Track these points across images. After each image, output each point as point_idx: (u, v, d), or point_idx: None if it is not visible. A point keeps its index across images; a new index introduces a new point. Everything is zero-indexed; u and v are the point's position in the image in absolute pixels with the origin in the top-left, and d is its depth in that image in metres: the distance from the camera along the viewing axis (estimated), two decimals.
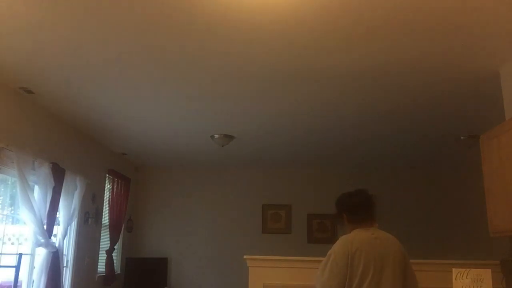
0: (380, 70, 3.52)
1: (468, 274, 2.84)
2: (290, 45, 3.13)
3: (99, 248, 6.13)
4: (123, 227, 6.82)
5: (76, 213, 5.06)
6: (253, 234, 7.33)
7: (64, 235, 4.83)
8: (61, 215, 4.79)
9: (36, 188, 4.41)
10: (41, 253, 4.43)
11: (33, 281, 4.38)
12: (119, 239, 6.67)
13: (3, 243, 4.13)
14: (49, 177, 4.47)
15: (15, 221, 4.38)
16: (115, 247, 6.47)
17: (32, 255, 4.43)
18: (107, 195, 6.40)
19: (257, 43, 3.10)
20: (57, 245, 4.61)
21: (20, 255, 4.03)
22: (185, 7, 2.66)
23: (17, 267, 3.93)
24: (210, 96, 4.21)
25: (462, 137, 5.25)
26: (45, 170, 4.41)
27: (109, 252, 6.26)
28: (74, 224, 5.30)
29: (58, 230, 4.79)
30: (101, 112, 4.72)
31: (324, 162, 6.98)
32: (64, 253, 4.95)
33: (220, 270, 7.18)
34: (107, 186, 6.43)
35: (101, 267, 6.18)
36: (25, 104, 4.28)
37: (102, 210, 6.22)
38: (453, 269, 2.88)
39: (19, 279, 3.97)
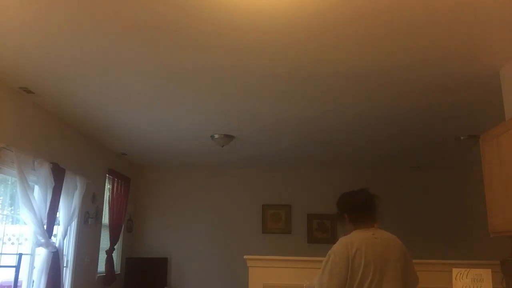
0: (381, 72, 3.52)
1: (468, 274, 2.84)
2: (292, 47, 3.13)
3: (99, 248, 6.12)
4: (123, 227, 6.82)
5: (76, 213, 5.06)
6: (253, 234, 7.33)
7: (64, 235, 4.82)
8: (61, 215, 4.79)
9: (36, 188, 4.41)
10: (41, 253, 4.43)
11: (33, 281, 4.38)
12: (119, 239, 6.67)
13: (3, 243, 4.13)
14: (49, 177, 4.47)
15: (15, 221, 4.39)
16: (115, 247, 6.48)
17: (32, 255, 4.43)
18: (107, 195, 6.40)
19: (258, 44, 3.10)
20: (57, 245, 4.61)
21: (20, 255, 4.03)
22: (187, 10, 2.66)
23: (17, 267, 3.93)
24: (210, 96, 4.21)
25: (462, 137, 5.26)
26: (45, 170, 4.41)
27: (109, 252, 6.26)
28: (74, 224, 5.30)
29: (58, 230, 4.79)
30: (101, 112, 4.72)
31: (324, 162, 6.98)
32: (64, 253, 4.95)
33: (220, 270, 7.19)
34: (107, 186, 6.43)
35: (101, 267, 6.18)
36: (25, 104, 4.28)
37: (102, 210, 6.22)
38: (453, 269, 2.89)
39: (19, 279, 3.97)
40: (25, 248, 4.37)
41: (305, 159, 6.80)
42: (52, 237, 4.58)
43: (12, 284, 3.91)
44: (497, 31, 2.88)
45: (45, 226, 4.37)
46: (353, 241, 2.45)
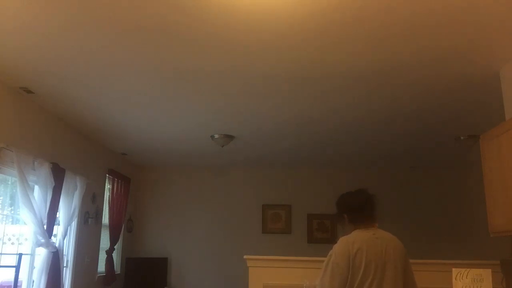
0: (381, 72, 3.52)
1: (468, 274, 2.84)
2: (292, 47, 3.13)
3: (99, 248, 6.13)
4: (123, 227, 6.82)
5: (76, 213, 5.06)
6: (253, 234, 7.33)
7: (64, 235, 4.82)
8: (61, 215, 4.79)
9: (36, 188, 4.41)
10: (41, 253, 4.43)
11: (33, 281, 4.38)
12: (119, 239, 6.67)
13: (3, 243, 4.13)
14: (49, 177, 4.47)
15: (15, 221, 4.39)
16: (115, 247, 6.48)
17: (32, 255, 4.43)
18: (107, 195, 6.40)
19: (259, 44, 3.10)
20: (57, 245, 4.61)
21: (20, 255, 4.03)
22: (187, 10, 2.66)
23: (17, 267, 3.93)
24: (210, 96, 4.21)
25: (462, 137, 5.26)
26: (45, 170, 4.41)
27: (109, 252, 6.26)
28: (74, 224, 5.30)
29: (58, 230, 4.79)
30: (101, 112, 4.72)
31: (324, 162, 6.98)
32: (64, 253, 4.96)
33: (220, 270, 7.19)
34: (107, 186, 6.43)
35: (101, 267, 6.18)
36: (25, 104, 4.28)
37: (102, 210, 6.22)
38: (453, 269, 2.88)
39: (19, 279, 3.97)
40: (25, 248, 4.37)
41: (305, 159, 6.80)
42: (52, 237, 4.58)
43: (12, 284, 3.91)
44: (497, 31, 2.88)
45: (45, 226, 4.37)
46: (354, 241, 2.45)
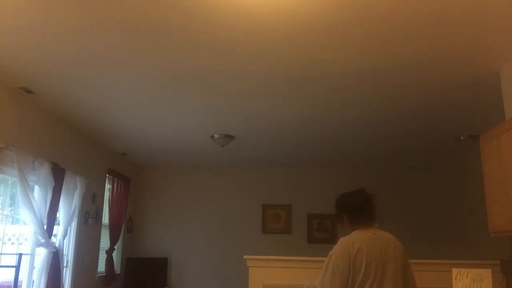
0: (381, 72, 3.52)
1: (468, 274, 2.84)
2: (292, 47, 3.13)
3: (99, 248, 6.13)
4: (123, 227, 6.82)
5: (76, 213, 5.06)
6: (253, 234, 7.33)
7: (64, 235, 4.83)
8: (61, 215, 4.79)
9: (36, 188, 4.41)
10: (41, 253, 4.43)
11: (33, 281, 4.38)
12: (119, 239, 6.67)
13: (3, 243, 4.13)
14: (49, 177, 4.47)
15: (15, 221, 4.39)
16: (115, 247, 6.48)
17: (32, 255, 4.43)
18: (107, 195, 6.40)
19: (259, 45, 3.10)
20: (57, 245, 4.61)
21: (20, 255, 4.04)
22: (187, 11, 2.66)
23: (17, 267, 3.93)
24: (210, 96, 4.21)
25: (462, 137, 5.26)
26: (45, 170, 4.41)
27: (109, 252, 6.26)
28: (74, 224, 5.30)
29: (58, 230, 4.79)
30: (101, 112, 4.72)
31: (324, 162, 6.98)
32: (64, 253, 4.96)
33: (220, 270, 7.19)
34: (107, 186, 6.43)
35: (101, 267, 6.18)
36: (25, 104, 4.28)
37: (102, 210, 6.22)
38: (453, 269, 2.88)
39: (19, 279, 3.97)
40: (25, 248, 4.37)
41: (305, 159, 6.80)
42: (52, 237, 4.58)
43: (12, 284, 3.91)
44: (497, 31, 2.88)
45: (45, 226, 4.37)
46: (354, 241, 2.45)
